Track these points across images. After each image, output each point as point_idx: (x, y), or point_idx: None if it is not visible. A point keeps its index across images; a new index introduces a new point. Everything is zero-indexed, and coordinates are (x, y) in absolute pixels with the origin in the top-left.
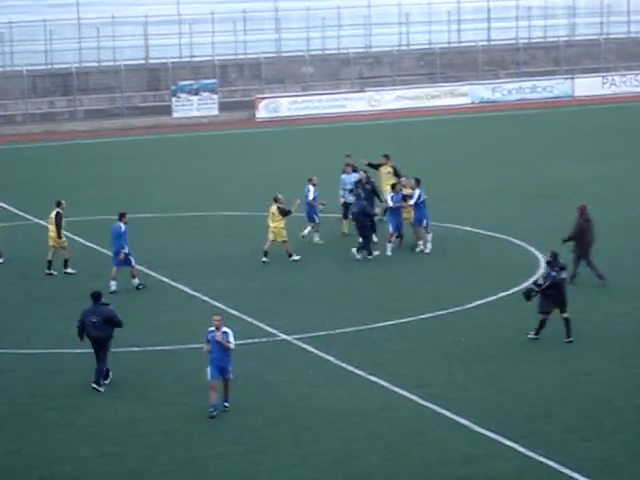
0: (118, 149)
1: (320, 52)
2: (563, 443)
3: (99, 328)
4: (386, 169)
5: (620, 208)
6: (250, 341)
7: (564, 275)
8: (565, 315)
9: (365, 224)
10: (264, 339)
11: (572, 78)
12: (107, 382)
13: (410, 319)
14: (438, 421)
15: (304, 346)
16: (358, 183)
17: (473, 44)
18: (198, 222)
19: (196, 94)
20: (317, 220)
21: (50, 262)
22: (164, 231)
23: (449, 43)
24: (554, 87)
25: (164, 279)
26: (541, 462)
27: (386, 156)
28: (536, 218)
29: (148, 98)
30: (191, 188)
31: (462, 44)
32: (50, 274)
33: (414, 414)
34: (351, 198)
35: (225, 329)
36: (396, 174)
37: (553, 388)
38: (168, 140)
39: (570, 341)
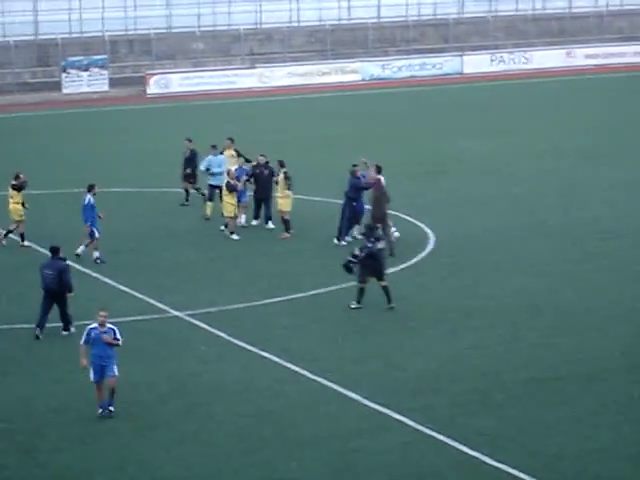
0: (7, 125)
1: (211, 28)
2: (452, 417)
3: (52, 281)
4: (229, 152)
5: (507, 184)
6: (141, 318)
7: (380, 246)
8: (383, 284)
9: None
10: (155, 316)
11: (461, 55)
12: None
13: (300, 295)
14: (328, 396)
15: (195, 322)
16: (256, 168)
17: (363, 21)
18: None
19: (86, 70)
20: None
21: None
22: (55, 208)
23: (339, 20)
24: (443, 64)
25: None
26: (430, 435)
27: (230, 139)
28: (426, 194)
29: (38, 74)
30: (81, 164)
31: (352, 21)
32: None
33: (305, 389)
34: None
35: (110, 326)
36: (239, 156)
37: (442, 362)
38: (58, 116)
39: (391, 307)
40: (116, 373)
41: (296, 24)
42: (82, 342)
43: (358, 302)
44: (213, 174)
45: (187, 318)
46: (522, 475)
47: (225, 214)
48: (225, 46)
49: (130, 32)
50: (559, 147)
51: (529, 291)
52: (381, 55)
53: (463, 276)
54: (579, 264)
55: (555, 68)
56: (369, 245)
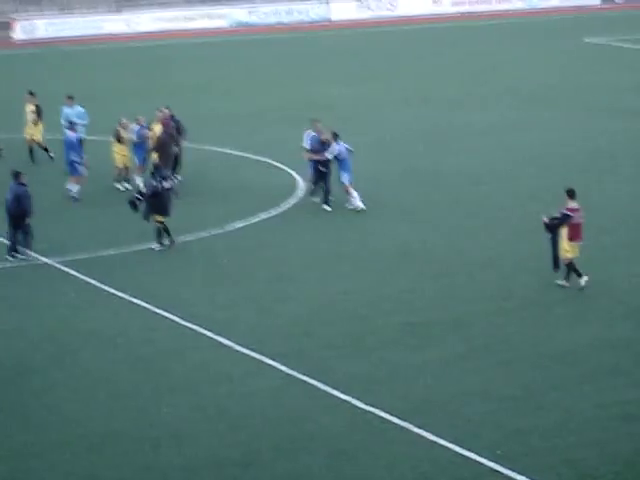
0: None
1: None
2: (323, 360)
3: (11, 205)
4: (30, 107)
5: (375, 131)
6: (10, 265)
7: (166, 185)
8: (161, 221)
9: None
10: (25, 263)
11: (327, 2)
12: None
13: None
14: (199, 341)
15: (65, 269)
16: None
17: None
18: None
19: None
20: None
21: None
22: None
23: None
24: (310, 10)
25: None
26: (302, 380)
27: (31, 94)
28: (295, 140)
29: None
30: None
31: None
32: None
33: (175, 335)
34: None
35: None
36: (38, 113)
37: (313, 307)
38: None
39: (171, 242)
40: None
41: None
42: None
43: (160, 243)
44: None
45: (57, 265)
46: (393, 418)
47: (115, 164)
48: None
49: None
50: (426, 95)
51: (399, 237)
52: (247, 1)
53: (332, 222)
54: (449, 210)
55: (421, 15)
56: (154, 183)
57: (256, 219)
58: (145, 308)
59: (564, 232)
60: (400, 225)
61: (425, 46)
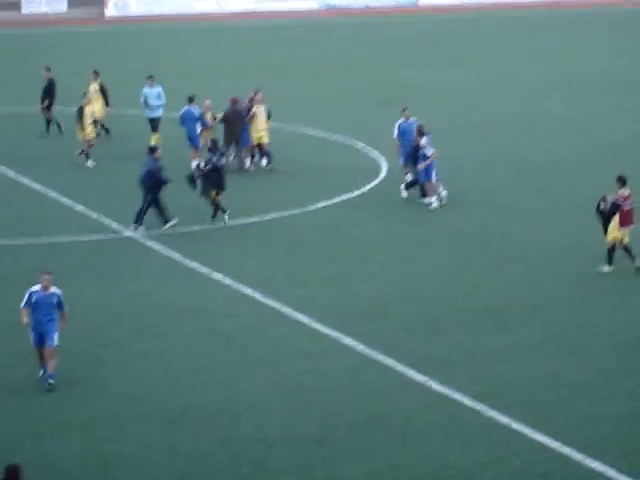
0: None
1: None
2: (401, 341)
3: (144, 178)
4: (93, 86)
5: (461, 115)
6: (95, 238)
7: (224, 161)
8: (219, 197)
9: None
10: (110, 236)
11: None
12: None
13: (253, 220)
14: (279, 318)
15: (149, 243)
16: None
17: None
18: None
19: None
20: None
21: None
22: (12, 127)
23: None
24: None
25: (10, 173)
26: (379, 360)
27: (95, 72)
28: (379, 122)
29: None
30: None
31: None
32: None
33: (256, 311)
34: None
35: (54, 290)
36: (103, 92)
37: (393, 288)
38: (16, 36)
39: (214, 223)
40: (56, 342)
41: None
42: (22, 306)
43: (213, 217)
44: (150, 107)
45: (141, 239)
46: (468, 400)
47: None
48: None
49: None
50: (511, 81)
51: (479, 221)
52: None
53: (413, 205)
54: (530, 196)
55: (509, 2)
56: (214, 159)
57: (338, 199)
58: (226, 284)
59: (615, 218)
60: (481, 210)
61: (512, 32)
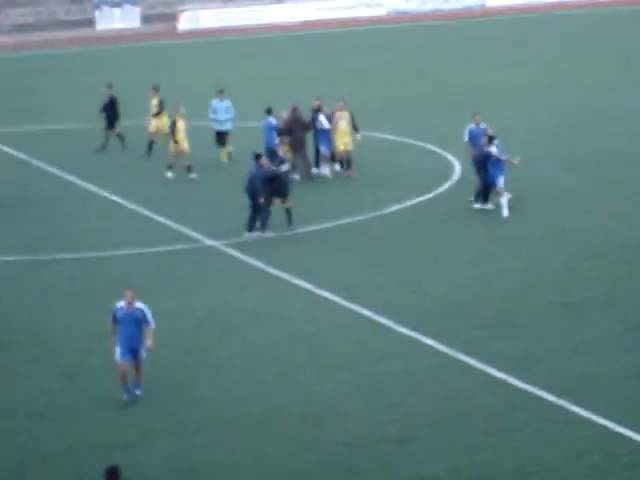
0: (42, 62)
1: None
2: (479, 340)
3: (248, 185)
4: (153, 101)
5: (530, 115)
6: (176, 247)
7: (284, 168)
8: (286, 205)
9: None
10: (190, 245)
11: None
12: None
13: (331, 224)
14: (359, 321)
15: (229, 251)
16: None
17: None
18: (123, 132)
19: (118, 6)
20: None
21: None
22: (91, 141)
23: None
24: None
25: (91, 187)
26: (458, 358)
27: (154, 88)
28: (450, 125)
29: (71, 11)
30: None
31: None
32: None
33: (336, 314)
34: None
35: (139, 304)
36: (161, 106)
37: (468, 288)
38: (91, 52)
39: (292, 229)
40: (143, 355)
41: None
42: (108, 322)
43: (290, 223)
44: (219, 120)
45: (221, 247)
46: (549, 396)
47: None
48: None
49: None
50: (579, 78)
51: (552, 218)
52: None
53: (488, 212)
54: (603, 192)
55: (576, 1)
56: (273, 168)
57: (412, 202)
58: (306, 288)
59: None
60: (553, 207)
61: (580, 31)
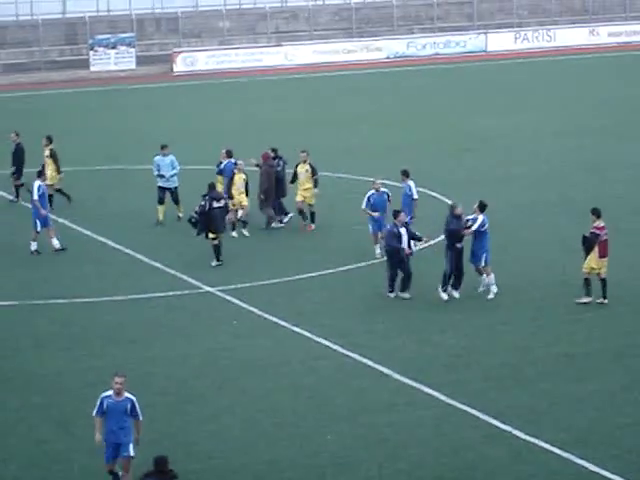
0: (36, 103)
1: (237, 7)
2: (483, 391)
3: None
4: (45, 152)
5: (532, 162)
6: (173, 293)
7: (215, 205)
8: (215, 242)
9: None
10: (187, 291)
11: (485, 33)
12: None
13: (331, 271)
14: (360, 370)
15: (227, 298)
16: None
17: None
18: (118, 176)
19: (113, 48)
20: None
21: None
22: (84, 185)
23: None
24: (467, 42)
25: (86, 232)
26: (462, 410)
27: (48, 138)
28: (452, 171)
29: (66, 52)
30: (110, 141)
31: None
32: None
33: (337, 364)
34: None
35: (127, 394)
36: (53, 157)
37: (472, 337)
38: (86, 94)
39: (218, 264)
40: (132, 454)
41: (321, 2)
42: (94, 413)
43: (218, 260)
44: (163, 176)
45: (219, 294)
46: (555, 449)
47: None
48: (251, 24)
49: (157, 10)
50: (582, 125)
51: (557, 267)
52: (406, 33)
53: (492, 252)
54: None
55: (578, 46)
56: (202, 203)
57: (415, 248)
58: (307, 337)
59: (595, 249)
60: (557, 254)
61: (582, 76)
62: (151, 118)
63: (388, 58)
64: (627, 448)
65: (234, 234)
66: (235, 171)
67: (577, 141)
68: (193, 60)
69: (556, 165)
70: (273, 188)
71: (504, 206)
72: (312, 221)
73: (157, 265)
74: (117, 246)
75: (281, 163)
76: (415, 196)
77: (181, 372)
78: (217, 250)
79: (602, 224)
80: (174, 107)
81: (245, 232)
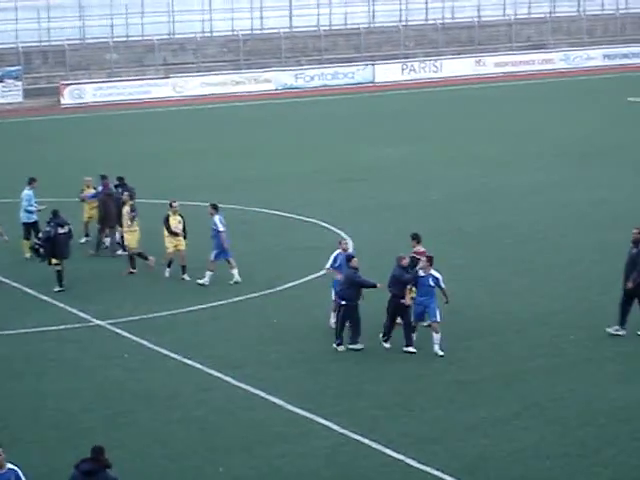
0: None
1: (124, 39)
2: (376, 420)
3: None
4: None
5: (422, 191)
6: (63, 327)
7: (60, 230)
8: (58, 268)
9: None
10: (77, 325)
11: (373, 64)
12: None
13: (223, 302)
14: (253, 401)
15: (118, 331)
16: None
17: (276, 31)
18: (3, 209)
19: (0, 82)
20: None
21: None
22: None
23: (252, 30)
24: (355, 73)
25: None
26: (355, 439)
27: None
28: (342, 201)
29: None
30: None
31: (265, 31)
32: None
33: (229, 395)
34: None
35: (10, 466)
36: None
37: (364, 366)
38: None
39: (61, 289)
40: None
41: (209, 34)
42: None
43: (60, 286)
44: (30, 211)
45: (109, 327)
46: (446, 477)
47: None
48: (139, 56)
49: (44, 43)
50: (471, 154)
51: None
52: (294, 65)
53: (382, 280)
54: (495, 268)
55: (465, 76)
56: (47, 229)
57: (306, 279)
58: (198, 369)
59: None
60: (448, 282)
61: (469, 106)
62: (38, 151)
63: (277, 90)
64: (519, 474)
65: (167, 274)
66: (170, 213)
67: (465, 171)
68: (81, 92)
69: (446, 193)
70: (111, 216)
71: (396, 235)
72: (184, 272)
73: (45, 298)
74: (4, 279)
75: (124, 192)
76: (221, 229)
77: (72, 406)
78: (59, 276)
79: (422, 249)
80: (61, 140)
81: (186, 277)
